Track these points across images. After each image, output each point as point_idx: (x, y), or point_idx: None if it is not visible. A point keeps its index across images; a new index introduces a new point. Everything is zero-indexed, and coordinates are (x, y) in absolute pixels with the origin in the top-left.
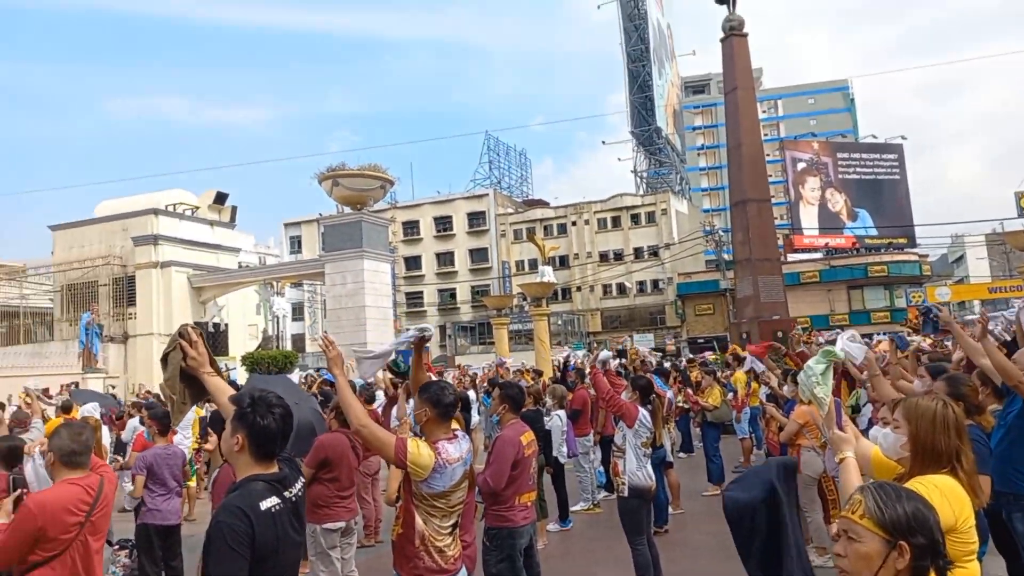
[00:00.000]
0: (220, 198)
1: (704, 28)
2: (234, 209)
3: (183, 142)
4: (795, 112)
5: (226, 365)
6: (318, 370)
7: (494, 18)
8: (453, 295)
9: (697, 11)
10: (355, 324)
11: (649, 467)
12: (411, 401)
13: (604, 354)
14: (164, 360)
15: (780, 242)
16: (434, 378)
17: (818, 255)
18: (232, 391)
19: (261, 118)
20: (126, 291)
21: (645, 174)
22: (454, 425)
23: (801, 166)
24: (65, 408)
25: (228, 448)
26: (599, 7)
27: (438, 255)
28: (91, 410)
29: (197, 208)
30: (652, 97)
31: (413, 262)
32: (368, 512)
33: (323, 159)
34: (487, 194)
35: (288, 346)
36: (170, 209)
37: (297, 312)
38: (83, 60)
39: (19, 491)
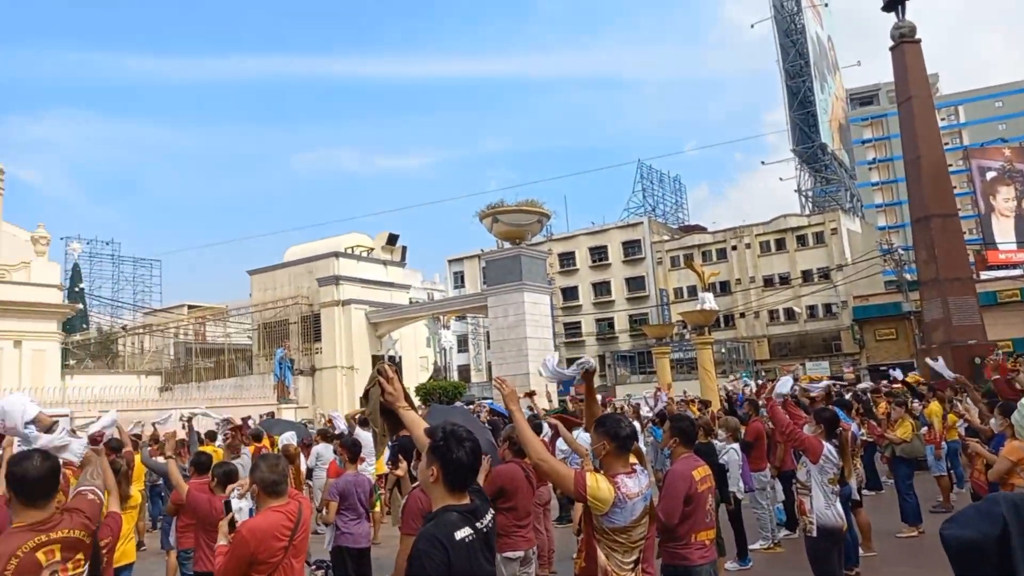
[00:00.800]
0: (392, 239)
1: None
2: (404, 249)
3: (358, 189)
4: (980, 118)
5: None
6: (482, 399)
7: (642, 49)
8: (611, 324)
9: (860, 20)
10: (517, 355)
11: (839, 505)
12: (575, 432)
13: (783, 384)
14: (365, 396)
15: (971, 259)
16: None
17: (1017, 271)
18: (425, 424)
19: (425, 163)
20: (313, 328)
21: (810, 193)
22: (632, 459)
23: (991, 175)
24: (255, 436)
25: (424, 479)
26: (752, 26)
27: (594, 285)
28: (289, 438)
29: (372, 249)
30: (814, 112)
31: (570, 293)
32: (541, 542)
33: (483, 197)
34: (641, 222)
35: (455, 376)
36: (349, 252)
37: (462, 344)
38: (272, 121)
39: (231, 514)
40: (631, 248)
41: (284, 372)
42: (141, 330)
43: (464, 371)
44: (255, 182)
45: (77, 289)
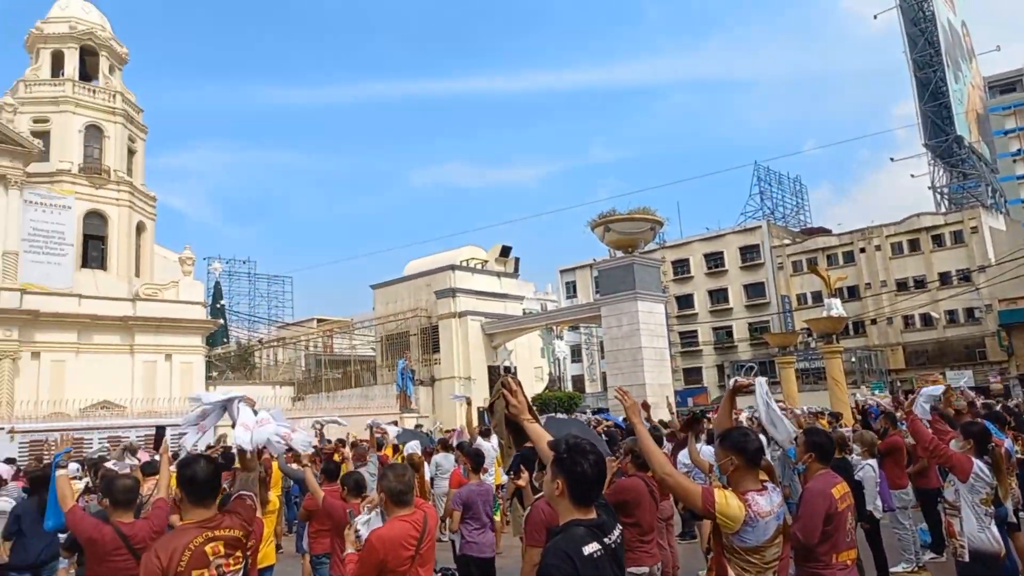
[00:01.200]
0: (505, 251)
1: (1009, 20)
2: (517, 260)
3: (472, 203)
4: None
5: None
6: (596, 411)
7: (753, 48)
8: (729, 333)
9: (998, 2)
10: (632, 365)
11: (994, 528)
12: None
13: (925, 396)
14: (490, 408)
15: None
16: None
17: None
18: (548, 436)
19: (534, 174)
20: (432, 339)
21: (946, 190)
22: (762, 476)
23: None
24: (377, 446)
25: (549, 492)
26: (875, 17)
27: (711, 292)
28: (414, 447)
29: (486, 262)
30: (948, 104)
31: (685, 301)
32: (664, 558)
33: (593, 207)
34: (760, 226)
35: (569, 387)
36: (464, 264)
37: (575, 354)
38: (390, 141)
39: (355, 525)
40: (749, 253)
41: (406, 382)
42: (275, 343)
43: (578, 381)
44: (377, 200)
45: (218, 305)
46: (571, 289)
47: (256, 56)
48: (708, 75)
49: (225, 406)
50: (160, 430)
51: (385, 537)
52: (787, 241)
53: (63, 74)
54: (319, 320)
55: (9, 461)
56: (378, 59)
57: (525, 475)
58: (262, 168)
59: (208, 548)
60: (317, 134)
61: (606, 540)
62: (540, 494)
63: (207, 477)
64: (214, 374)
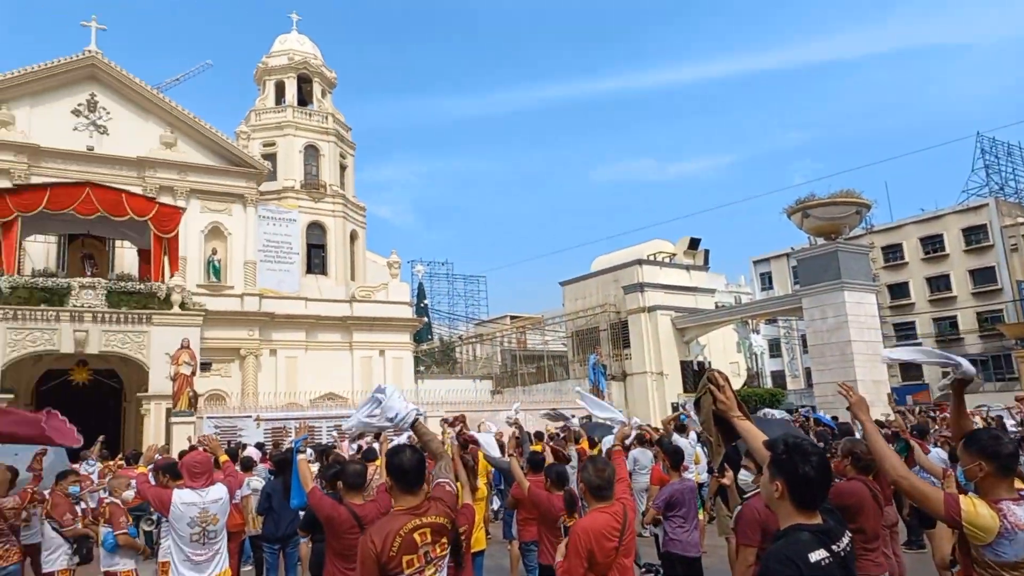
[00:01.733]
0: (693, 243)
1: None
2: (706, 252)
3: (656, 196)
4: None
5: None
6: (799, 408)
7: (958, 10)
8: (953, 324)
9: None
10: (841, 360)
11: None
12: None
13: None
14: (697, 404)
15: None
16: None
17: None
18: (763, 435)
19: (720, 164)
20: (621, 335)
21: None
22: (1017, 483)
23: None
24: (574, 439)
25: (768, 494)
26: None
27: (929, 280)
28: (610, 441)
29: (674, 255)
30: None
31: (898, 290)
32: (891, 568)
33: (787, 193)
34: (986, 204)
35: (768, 383)
36: (651, 258)
37: (773, 348)
38: (570, 139)
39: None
40: (974, 235)
41: (598, 377)
42: (473, 339)
43: (778, 377)
44: (561, 198)
45: (422, 305)
46: (766, 280)
47: (443, 70)
48: (905, 44)
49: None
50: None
51: (590, 528)
52: (1021, 219)
53: (284, 101)
54: (512, 317)
55: (258, 446)
56: (552, 62)
57: (730, 474)
58: (454, 175)
59: (417, 535)
60: (501, 139)
61: (834, 547)
62: (750, 492)
63: (412, 466)
64: (421, 368)
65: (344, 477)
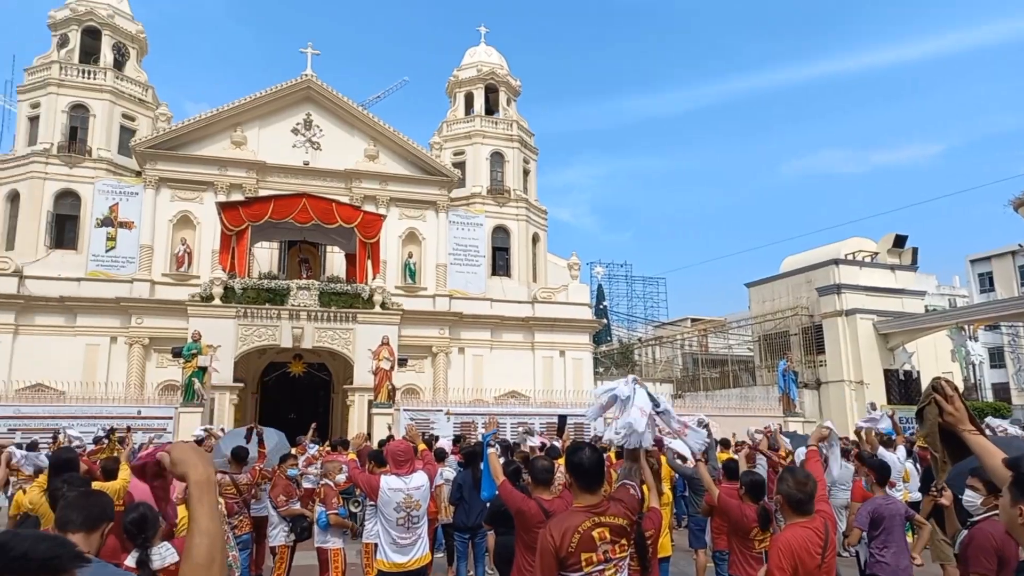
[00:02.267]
0: (899, 241)
1: None
2: (914, 251)
3: (854, 190)
4: None
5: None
6: None
7: None
8: None
9: None
10: None
11: None
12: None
13: None
14: (919, 415)
15: None
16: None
17: None
18: (1001, 453)
19: (928, 153)
20: (814, 339)
21: None
22: None
23: None
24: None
25: (1010, 519)
26: None
27: None
28: (802, 454)
29: (876, 254)
30: None
31: None
32: None
33: (1010, 184)
34: None
35: (988, 396)
36: (849, 258)
37: (995, 358)
38: (755, 134)
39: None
40: None
41: (788, 384)
42: (653, 342)
43: (1001, 390)
44: (746, 196)
45: (601, 306)
46: (986, 282)
47: (625, 72)
48: None
49: (624, 395)
50: (562, 419)
51: (792, 543)
52: None
53: (473, 111)
54: (693, 319)
55: (455, 439)
56: (732, 54)
57: (949, 493)
58: (632, 176)
59: (595, 533)
60: (684, 137)
61: None
62: (979, 515)
63: (592, 464)
64: (600, 370)
65: (532, 472)
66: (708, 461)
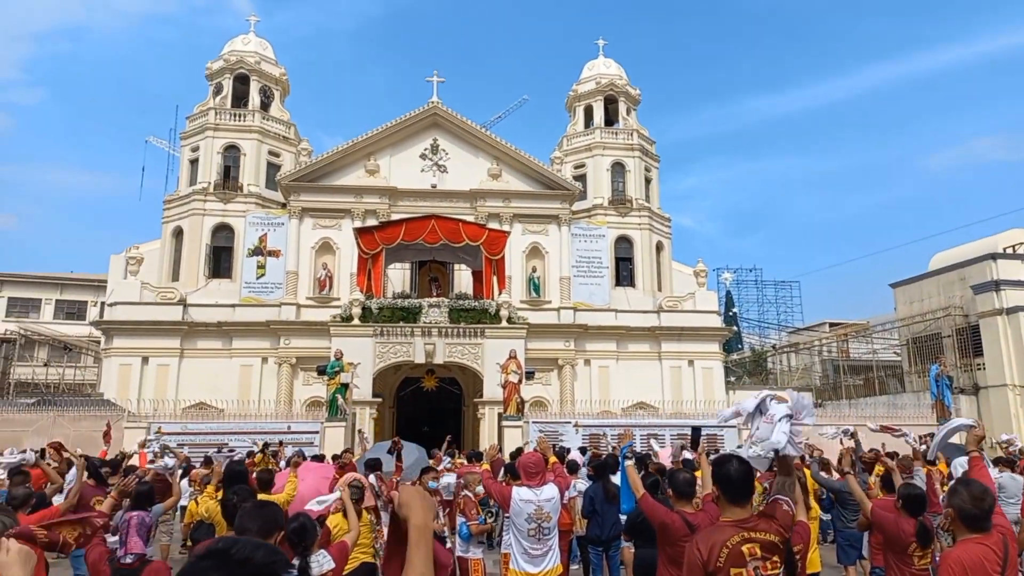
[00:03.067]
0: None
1: None
2: None
3: (1008, 179)
4: None
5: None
6: None
7: None
8: None
9: None
10: None
11: None
12: None
13: None
14: None
15: None
16: None
17: None
18: None
19: None
20: (970, 341)
21: None
22: None
23: None
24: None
25: None
26: None
27: None
28: (963, 463)
29: None
30: None
31: None
32: None
33: None
34: None
35: None
36: (1008, 251)
37: None
38: (895, 126)
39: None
40: None
41: (942, 390)
42: (788, 348)
43: None
44: (887, 192)
45: (731, 314)
46: None
47: (743, 70)
48: None
49: (760, 408)
50: (696, 431)
51: (964, 561)
52: None
53: (592, 124)
54: (831, 324)
55: (581, 450)
56: (864, 42)
57: None
58: (759, 178)
59: (745, 548)
60: (812, 135)
61: None
62: None
63: (741, 476)
64: (731, 379)
65: (675, 485)
66: (856, 473)
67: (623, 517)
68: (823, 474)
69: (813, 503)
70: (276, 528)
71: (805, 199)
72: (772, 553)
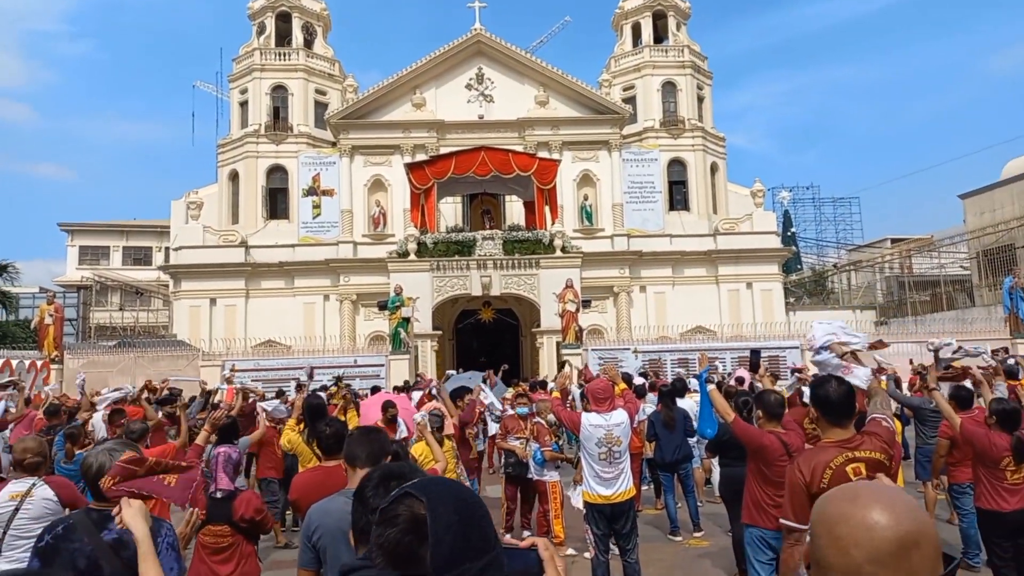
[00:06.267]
0: None
1: None
2: None
3: None
4: None
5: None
6: None
7: None
8: None
9: None
10: None
11: None
12: None
13: None
14: None
15: None
16: None
17: None
18: None
19: None
20: None
21: None
22: None
23: None
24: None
25: None
26: None
27: None
28: None
29: None
30: None
31: None
32: None
33: None
34: None
35: None
36: None
37: None
38: (956, 27)
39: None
40: None
41: (1016, 303)
42: (849, 267)
43: None
44: (951, 97)
45: (789, 233)
46: None
47: None
48: None
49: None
50: (755, 353)
51: None
52: None
53: (640, 43)
54: (893, 240)
55: (643, 375)
56: None
57: None
58: (816, 90)
59: (849, 468)
60: (868, 40)
61: None
62: None
63: (840, 397)
64: (791, 300)
65: (766, 406)
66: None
67: (692, 441)
68: (897, 391)
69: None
70: (383, 454)
71: (863, 110)
72: (877, 470)
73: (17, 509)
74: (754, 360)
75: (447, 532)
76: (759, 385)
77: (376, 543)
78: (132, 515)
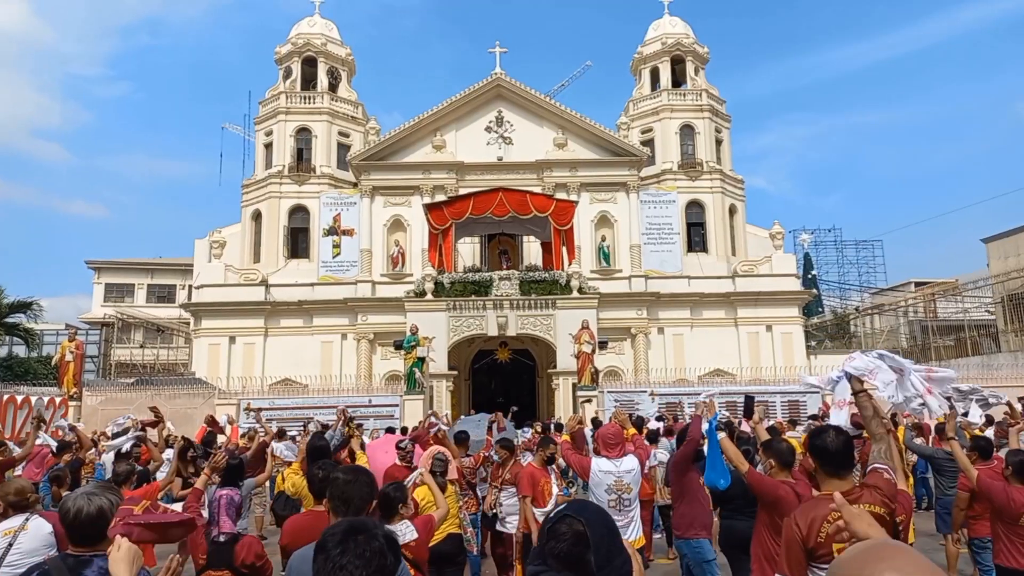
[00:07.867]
0: None
1: None
2: None
3: None
4: None
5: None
6: None
7: None
8: None
9: None
10: None
11: None
12: None
13: None
14: None
15: None
16: None
17: None
18: None
19: None
20: None
21: None
22: None
23: None
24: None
25: None
26: None
27: None
28: None
29: None
30: None
31: None
32: None
33: None
34: None
35: None
36: None
37: None
38: (987, 73)
39: None
40: None
41: None
42: (872, 310)
43: None
44: (975, 143)
45: (810, 276)
46: None
47: (817, 20)
48: None
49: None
50: (749, 399)
51: None
52: None
53: (659, 86)
54: (917, 283)
55: (658, 418)
56: None
57: None
58: (839, 134)
59: None
60: (892, 85)
61: None
62: None
63: (839, 448)
64: (812, 343)
65: (778, 455)
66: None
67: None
68: (916, 442)
69: (907, 472)
70: (372, 497)
71: (886, 154)
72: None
73: (11, 545)
74: (748, 406)
75: (602, 541)
76: (747, 430)
77: (550, 554)
78: (116, 559)
